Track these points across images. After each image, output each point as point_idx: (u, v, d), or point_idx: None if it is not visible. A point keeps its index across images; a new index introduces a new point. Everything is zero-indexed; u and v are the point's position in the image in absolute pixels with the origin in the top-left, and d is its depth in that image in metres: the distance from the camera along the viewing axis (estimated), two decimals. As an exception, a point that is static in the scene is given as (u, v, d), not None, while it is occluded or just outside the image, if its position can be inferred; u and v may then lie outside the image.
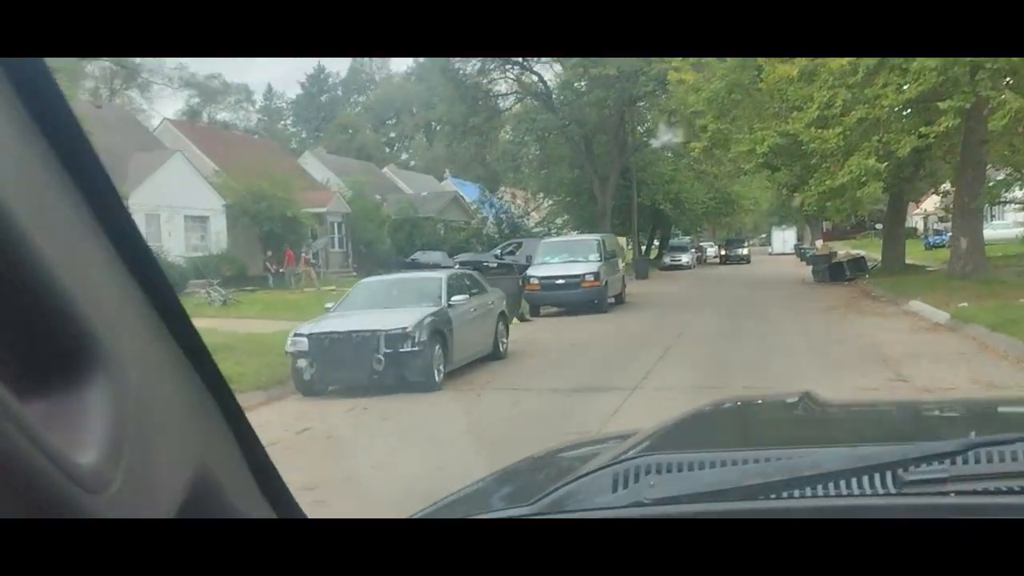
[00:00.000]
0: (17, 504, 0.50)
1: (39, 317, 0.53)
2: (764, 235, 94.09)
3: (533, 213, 51.36)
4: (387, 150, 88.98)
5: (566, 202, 51.28)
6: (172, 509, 0.67)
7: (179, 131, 35.86)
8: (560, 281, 21.35)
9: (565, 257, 22.62)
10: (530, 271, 22.34)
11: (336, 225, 40.83)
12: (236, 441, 0.82)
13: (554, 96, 43.36)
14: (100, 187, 0.61)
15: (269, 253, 30.83)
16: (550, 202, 53.57)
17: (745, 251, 54.02)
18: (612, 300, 23.57)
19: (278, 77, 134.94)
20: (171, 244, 27.43)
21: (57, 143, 0.57)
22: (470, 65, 40.41)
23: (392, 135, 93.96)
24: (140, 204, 26.28)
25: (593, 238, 23.89)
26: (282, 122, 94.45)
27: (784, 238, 75.04)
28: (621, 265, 25.90)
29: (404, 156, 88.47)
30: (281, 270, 30.70)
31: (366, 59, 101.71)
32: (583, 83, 41.27)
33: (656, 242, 58.75)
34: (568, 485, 1.36)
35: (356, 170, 48.10)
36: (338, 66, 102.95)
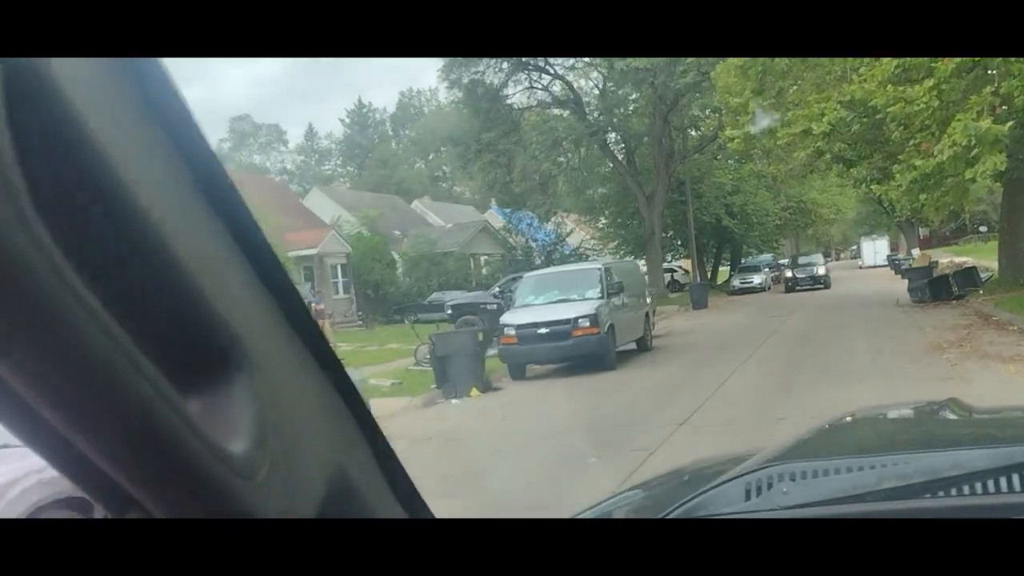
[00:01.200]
0: (182, 485, 0.57)
1: (190, 320, 0.57)
2: (854, 247, 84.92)
3: (579, 235, 45.37)
4: (441, 184, 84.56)
5: (615, 223, 45.25)
6: (314, 503, 0.72)
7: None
8: (543, 330, 15.25)
9: (553, 296, 16.52)
10: (505, 317, 16.33)
11: (338, 268, 35.61)
12: (366, 442, 0.84)
13: (585, 103, 37.47)
14: (228, 193, 0.63)
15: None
16: (602, 223, 47.57)
17: (821, 270, 39.94)
18: (633, 346, 17.39)
19: (317, 116, 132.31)
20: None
21: (185, 148, 0.59)
22: (487, 72, 34.92)
23: (446, 168, 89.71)
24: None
25: (593, 267, 17.66)
26: (329, 162, 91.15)
27: (875, 249, 66.46)
28: (647, 299, 19.55)
29: (458, 188, 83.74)
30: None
31: (414, 92, 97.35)
32: (609, 83, 35.27)
33: (727, 263, 51.95)
34: (700, 496, 1.39)
35: (371, 205, 42.94)
36: (385, 100, 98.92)
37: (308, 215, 37.88)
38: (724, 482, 1.40)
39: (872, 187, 21.93)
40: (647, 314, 18.93)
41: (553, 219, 37.74)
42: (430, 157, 74.32)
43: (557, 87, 36.71)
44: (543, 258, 36.74)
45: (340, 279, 34.87)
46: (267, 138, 67.64)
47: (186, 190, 0.60)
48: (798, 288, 38.21)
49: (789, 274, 40.62)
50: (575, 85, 36.86)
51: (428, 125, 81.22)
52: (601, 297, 16.11)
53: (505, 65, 35.00)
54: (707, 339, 20.44)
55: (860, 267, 64.00)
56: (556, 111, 36.47)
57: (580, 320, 15.29)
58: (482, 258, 40.92)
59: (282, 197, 39.07)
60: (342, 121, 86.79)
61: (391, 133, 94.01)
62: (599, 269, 16.86)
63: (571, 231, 38.83)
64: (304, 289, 31.29)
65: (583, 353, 15.14)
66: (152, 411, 0.52)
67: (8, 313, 0.45)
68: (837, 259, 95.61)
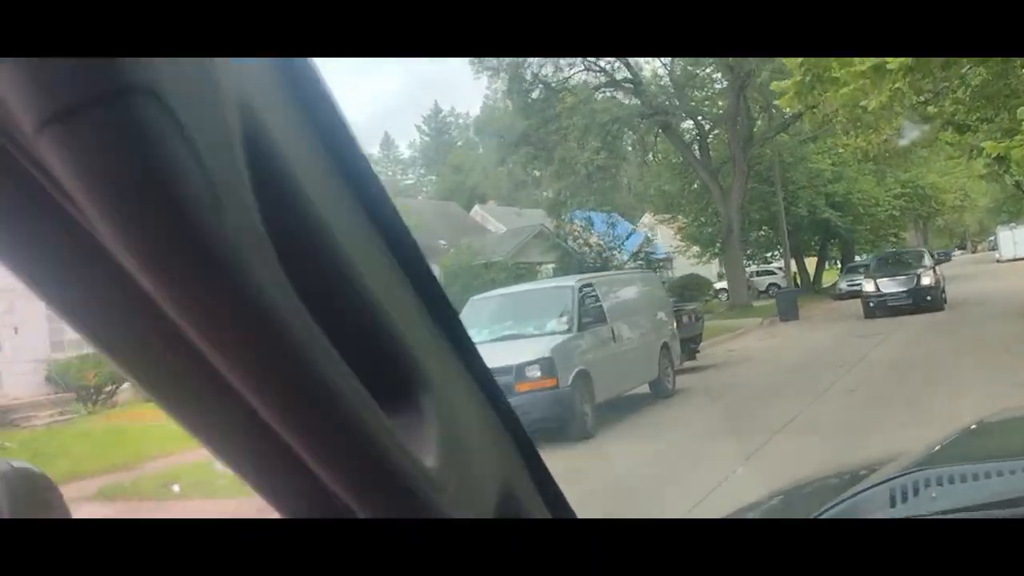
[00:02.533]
0: (389, 494, 0.63)
1: (384, 344, 0.63)
2: (992, 237, 74.39)
3: (662, 235, 39.66)
4: (523, 189, 79.72)
5: (695, 221, 39.36)
6: (489, 510, 0.78)
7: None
8: (474, 382, 10.07)
9: (502, 329, 11.29)
10: None
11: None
12: (520, 450, 0.88)
13: (646, 82, 31.91)
14: (393, 218, 0.66)
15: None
16: (682, 221, 41.71)
17: (926, 279, 23.29)
18: (646, 389, 12.09)
19: (395, 125, 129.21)
20: (18, 343, 18.68)
21: (350, 165, 0.61)
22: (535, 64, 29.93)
23: (536, 172, 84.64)
24: None
25: (564, 286, 12.11)
26: (412, 172, 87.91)
27: (1015, 239, 57.27)
28: (665, 322, 14.01)
29: (547, 193, 78.76)
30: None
31: (498, 93, 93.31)
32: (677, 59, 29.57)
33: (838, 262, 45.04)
34: (844, 502, 1.36)
35: (410, 211, 38.42)
36: (469, 105, 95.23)
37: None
38: (869, 488, 1.38)
39: (985, 146, 15.60)
40: (665, 345, 13.39)
41: (608, 217, 32.11)
42: (508, 161, 69.67)
43: (605, 65, 31.20)
44: (599, 263, 31.27)
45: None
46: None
47: (364, 217, 0.62)
48: (879, 314, 22.57)
49: (870, 287, 23.77)
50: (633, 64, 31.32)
51: (504, 125, 76.67)
52: (569, 330, 10.79)
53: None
54: (762, 375, 14.78)
55: (997, 260, 55.15)
56: (608, 92, 31.02)
57: (527, 368, 10.02)
58: (540, 266, 35.72)
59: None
60: (419, 128, 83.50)
61: (476, 139, 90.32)
62: (571, 288, 11.48)
63: (631, 232, 33.10)
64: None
65: (534, 417, 9.83)
66: (368, 429, 0.58)
67: (265, 352, 0.49)
68: (973, 252, 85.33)
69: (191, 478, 9.95)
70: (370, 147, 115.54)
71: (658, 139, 34.06)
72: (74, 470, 11.13)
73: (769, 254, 43.42)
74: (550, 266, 33.95)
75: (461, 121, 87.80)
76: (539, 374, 10.03)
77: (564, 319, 10.95)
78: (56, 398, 18.43)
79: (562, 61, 31.42)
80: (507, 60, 31.17)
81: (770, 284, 43.38)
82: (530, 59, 31.10)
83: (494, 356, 10.34)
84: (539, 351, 10.13)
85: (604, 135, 28.90)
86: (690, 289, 38.31)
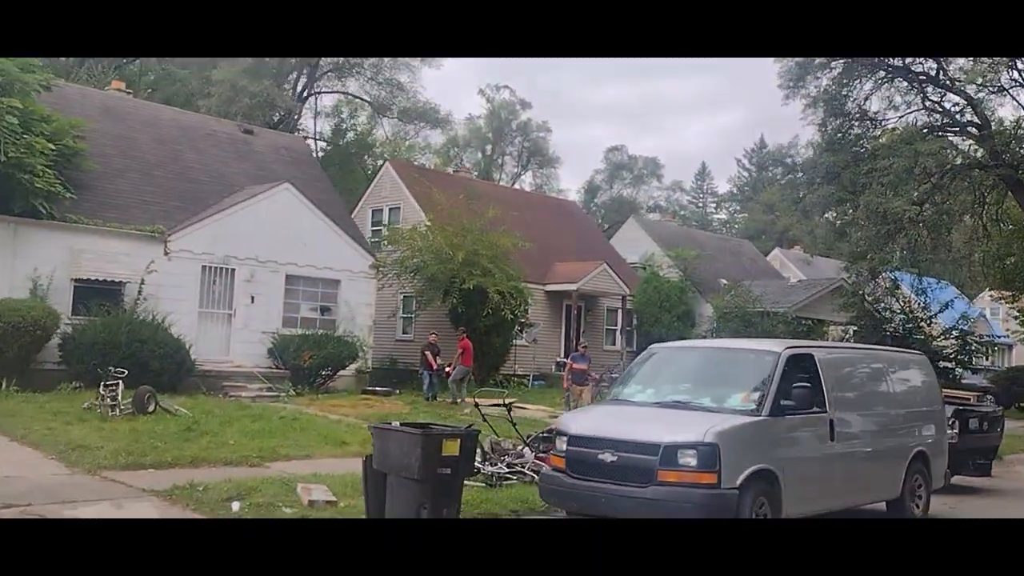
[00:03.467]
0: None
1: None
2: None
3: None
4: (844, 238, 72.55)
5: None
6: None
7: (394, 171, 27.74)
8: (608, 456, 7.59)
9: (677, 392, 8.58)
10: (564, 419, 8.89)
11: (617, 313, 29.04)
12: None
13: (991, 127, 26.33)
14: None
15: (431, 339, 20.52)
16: None
17: None
18: (886, 509, 9.20)
19: (718, 158, 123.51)
20: (251, 312, 18.98)
21: None
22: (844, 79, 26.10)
23: (836, 218, 77.04)
24: (199, 251, 18.41)
25: (765, 350, 8.71)
26: (725, 206, 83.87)
27: None
28: (933, 430, 10.30)
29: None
30: (448, 369, 20.13)
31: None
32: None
33: None
34: None
35: (691, 243, 35.43)
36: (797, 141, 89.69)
37: (593, 244, 31.83)
38: None
39: None
40: (920, 455, 9.77)
41: (918, 281, 26.85)
42: (806, 203, 63.30)
43: (949, 106, 26.14)
44: (900, 333, 26.31)
45: (619, 327, 28.30)
46: (641, 171, 63.16)
47: None
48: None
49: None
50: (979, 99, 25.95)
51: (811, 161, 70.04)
52: (756, 411, 7.84)
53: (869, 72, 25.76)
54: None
55: None
56: (941, 134, 25.92)
57: (679, 452, 7.30)
58: (829, 326, 31.17)
59: (572, 220, 33.56)
60: (739, 162, 79.30)
61: (797, 177, 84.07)
62: (774, 356, 8.41)
63: (949, 303, 27.39)
64: (534, 331, 25.41)
65: (681, 513, 7.08)
66: None
67: None
68: None
69: (272, 491, 8.56)
70: (683, 175, 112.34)
71: (1004, 198, 28.08)
72: (189, 455, 10.32)
73: None
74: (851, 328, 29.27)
75: (789, 160, 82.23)
76: (694, 463, 7.25)
77: (755, 396, 8.00)
78: (272, 372, 18.45)
79: (897, 98, 27.04)
80: (824, 86, 27.46)
81: None
82: (852, 87, 27.19)
83: (646, 426, 7.82)
84: (701, 432, 7.34)
85: (927, 184, 24.07)
86: (1020, 385, 31.46)
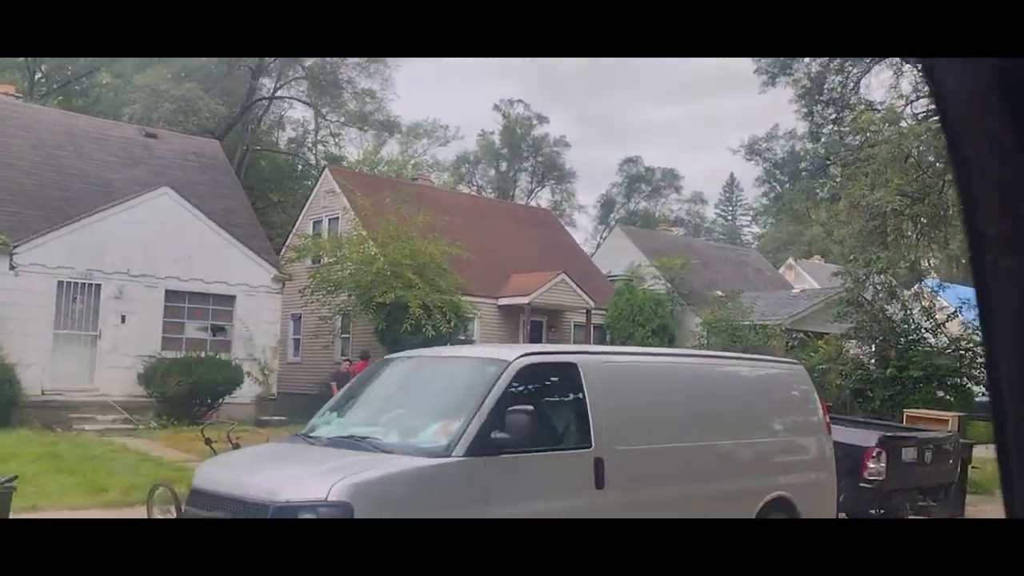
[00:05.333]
0: None
1: None
2: None
3: None
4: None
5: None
6: None
7: (333, 179, 25.23)
8: (218, 511, 5.09)
9: (376, 419, 6.02)
10: (203, 466, 6.27)
11: (590, 329, 26.30)
12: None
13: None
14: None
15: (344, 367, 18.10)
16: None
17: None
18: None
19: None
20: (122, 334, 16.78)
21: None
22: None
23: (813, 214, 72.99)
24: (53, 265, 16.34)
25: (489, 358, 6.03)
26: (760, 220, 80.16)
27: None
28: (803, 471, 7.50)
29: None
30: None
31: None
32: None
33: None
34: None
35: (679, 251, 32.43)
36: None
37: (565, 256, 29.10)
38: None
39: None
40: (783, 503, 7.00)
41: (916, 282, 23.60)
42: (783, 199, 58.98)
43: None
44: (902, 345, 23.10)
45: (591, 343, 25.52)
46: (659, 183, 60.15)
47: None
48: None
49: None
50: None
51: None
52: (447, 448, 5.22)
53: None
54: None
55: None
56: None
57: (297, 512, 4.76)
58: (824, 337, 27.93)
59: (544, 231, 30.84)
60: (768, 172, 75.60)
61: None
62: (502, 364, 5.73)
63: (958, 309, 24.01)
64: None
65: None
66: None
67: None
68: None
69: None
70: (710, 187, 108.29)
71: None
72: None
73: None
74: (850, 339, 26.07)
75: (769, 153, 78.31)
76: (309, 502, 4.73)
77: (454, 426, 5.38)
78: (134, 402, 16.23)
79: (905, 84, 24.16)
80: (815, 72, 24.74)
81: None
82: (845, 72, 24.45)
83: (268, 476, 5.30)
84: (327, 484, 4.78)
85: (915, 171, 20.95)
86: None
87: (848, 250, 22.92)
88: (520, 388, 5.69)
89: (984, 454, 18.89)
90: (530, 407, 5.37)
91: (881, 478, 9.55)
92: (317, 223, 25.60)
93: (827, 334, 25.90)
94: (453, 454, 5.19)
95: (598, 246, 36.96)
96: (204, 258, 17.98)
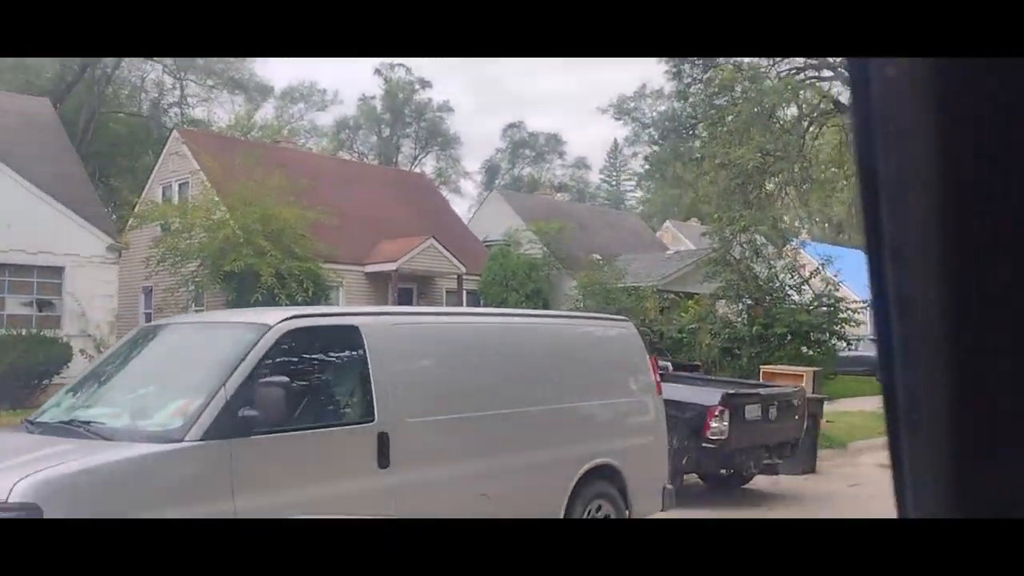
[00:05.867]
0: None
1: None
2: None
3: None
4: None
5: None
6: None
7: (183, 141, 23.73)
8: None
9: (101, 401, 5.14)
10: None
11: (464, 295, 25.65)
12: None
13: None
14: None
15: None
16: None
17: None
18: None
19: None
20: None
21: None
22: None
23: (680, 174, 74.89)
24: None
25: (243, 323, 5.31)
26: (645, 185, 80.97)
27: None
28: (625, 435, 7.02)
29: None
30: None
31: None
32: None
33: None
34: None
35: (556, 215, 32.11)
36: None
37: (440, 221, 28.33)
38: None
39: None
40: (608, 471, 6.47)
41: (784, 241, 23.96)
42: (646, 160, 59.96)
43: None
44: (770, 305, 23.39)
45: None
46: (542, 148, 59.89)
47: None
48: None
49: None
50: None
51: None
52: (181, 430, 4.40)
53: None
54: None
55: None
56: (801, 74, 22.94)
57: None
58: (693, 298, 28.12)
59: (419, 196, 29.97)
60: (649, 135, 76.36)
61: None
62: (261, 329, 4.95)
63: (821, 266, 24.47)
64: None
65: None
66: None
67: None
68: None
69: None
70: (595, 152, 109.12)
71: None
72: None
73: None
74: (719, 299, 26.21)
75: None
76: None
77: (195, 405, 4.56)
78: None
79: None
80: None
81: None
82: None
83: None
84: (10, 483, 3.89)
85: (778, 130, 21.07)
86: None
87: (714, 209, 22.93)
88: (283, 357, 4.90)
89: (839, 408, 19.27)
90: (285, 378, 4.59)
91: (724, 437, 9.25)
92: (167, 188, 23.92)
93: (697, 294, 26.03)
94: (187, 438, 4.37)
95: (475, 212, 36.22)
96: (26, 227, 16.34)
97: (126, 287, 21.36)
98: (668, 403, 9.83)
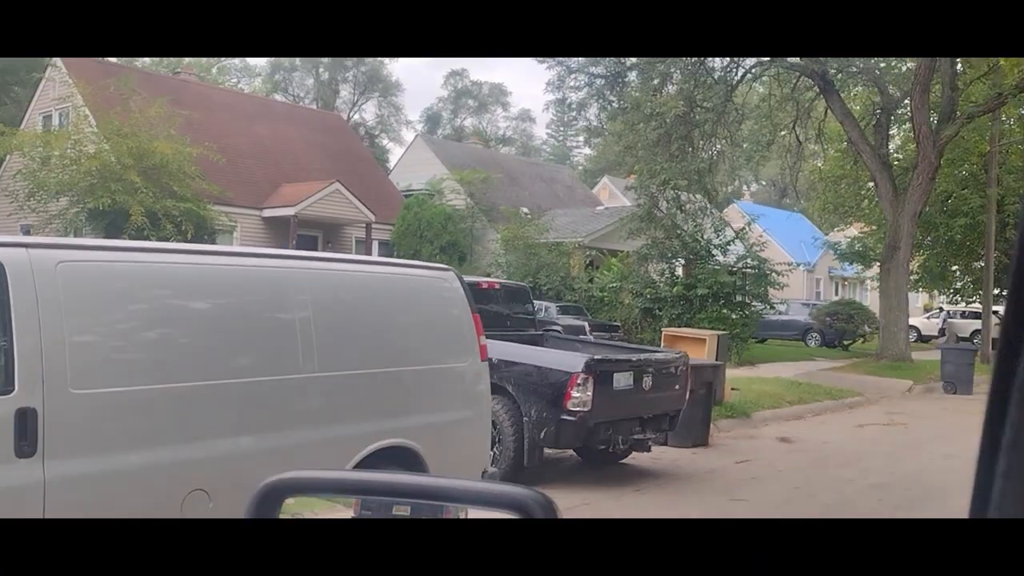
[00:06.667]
0: None
1: None
2: None
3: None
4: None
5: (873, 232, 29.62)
6: None
7: (65, 68, 21.48)
8: None
9: None
10: None
11: (375, 245, 24.12)
12: None
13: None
14: None
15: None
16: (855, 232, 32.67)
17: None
18: None
19: None
20: None
21: None
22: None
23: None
24: None
25: None
26: (594, 143, 79.40)
27: None
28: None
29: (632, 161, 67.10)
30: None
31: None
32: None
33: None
34: None
35: (482, 164, 30.58)
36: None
37: (354, 166, 26.62)
38: None
39: None
40: (404, 455, 5.14)
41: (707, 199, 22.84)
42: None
43: None
44: (696, 266, 22.31)
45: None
46: (486, 98, 57.88)
47: None
48: None
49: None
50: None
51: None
52: None
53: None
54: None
55: None
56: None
57: None
58: (617, 255, 26.90)
59: (331, 137, 28.14)
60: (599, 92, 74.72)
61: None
62: None
63: (746, 226, 23.41)
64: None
65: None
66: None
67: None
68: None
69: None
70: (540, 106, 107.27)
71: (826, 115, 24.25)
72: None
73: (962, 287, 32.14)
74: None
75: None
76: None
77: None
78: None
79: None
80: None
81: (974, 332, 32.11)
82: None
83: None
84: None
85: (704, 76, 19.75)
86: (842, 320, 28.24)
87: (638, 162, 21.64)
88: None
89: (758, 373, 18.29)
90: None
91: (586, 409, 8.02)
92: (47, 118, 21.85)
93: (621, 251, 24.85)
94: None
95: (399, 159, 34.54)
96: None
97: (4, 224, 19.43)
98: (530, 368, 8.61)
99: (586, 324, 22.28)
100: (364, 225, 22.88)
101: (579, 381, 8.01)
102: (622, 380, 8.42)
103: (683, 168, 19.70)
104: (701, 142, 20.61)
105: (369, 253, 23.36)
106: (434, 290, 5.98)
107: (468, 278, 11.74)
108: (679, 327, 19.48)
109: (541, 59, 38.93)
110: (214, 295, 4.68)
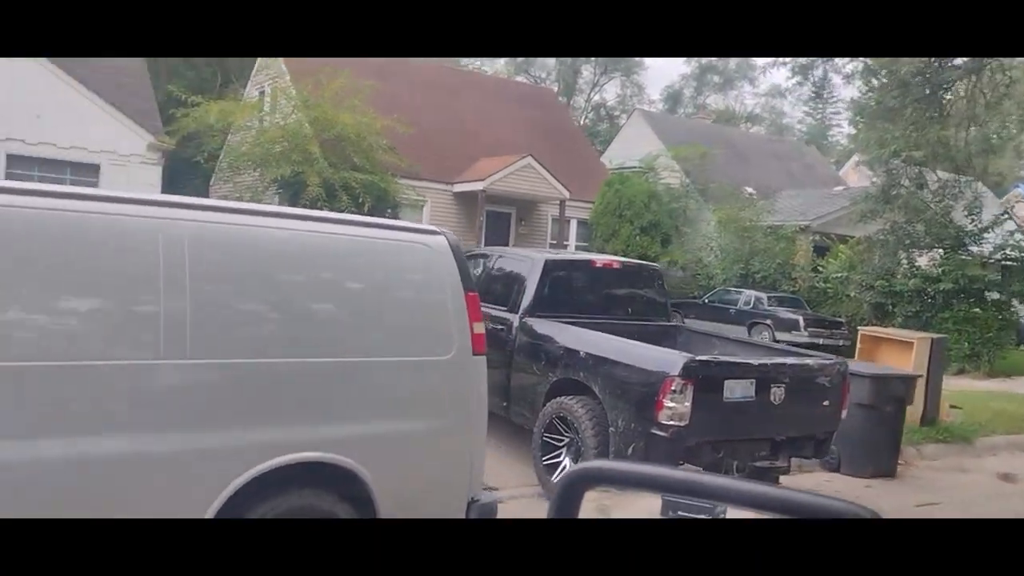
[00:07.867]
0: None
1: None
2: None
3: None
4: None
5: None
6: None
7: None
8: None
9: None
10: None
11: (572, 225, 22.78)
12: None
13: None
14: None
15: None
16: None
17: None
18: None
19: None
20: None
21: None
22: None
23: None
24: None
25: None
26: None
27: None
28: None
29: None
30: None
31: None
32: None
33: None
34: None
35: (703, 139, 27.96)
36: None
37: (563, 142, 25.25)
38: None
39: None
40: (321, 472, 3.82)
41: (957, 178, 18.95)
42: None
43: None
44: (944, 249, 18.79)
45: (560, 240, 21.98)
46: (732, 74, 54.09)
47: None
48: None
49: None
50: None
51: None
52: None
53: None
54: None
55: None
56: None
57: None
58: (840, 242, 23.46)
59: (543, 113, 26.88)
60: (866, 66, 67.75)
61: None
62: None
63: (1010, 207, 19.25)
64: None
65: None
66: None
67: None
68: None
69: None
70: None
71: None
72: None
73: None
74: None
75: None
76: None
77: None
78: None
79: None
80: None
81: None
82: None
83: None
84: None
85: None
86: None
87: (864, 131, 18.39)
88: None
89: (1007, 388, 14.82)
90: None
91: (682, 424, 6.17)
92: (263, 93, 22.71)
93: (851, 237, 21.56)
94: None
95: (616, 136, 32.86)
96: (58, 118, 15.40)
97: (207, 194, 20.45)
98: (619, 367, 6.85)
99: (801, 319, 19.54)
100: (558, 203, 21.59)
101: (674, 387, 6.17)
102: (738, 389, 6.44)
103: (920, 137, 16.27)
104: (950, 103, 16.95)
105: (565, 234, 22.08)
106: (404, 258, 4.51)
107: (587, 256, 10.03)
108: (914, 328, 16.35)
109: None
110: (25, 245, 3.53)
